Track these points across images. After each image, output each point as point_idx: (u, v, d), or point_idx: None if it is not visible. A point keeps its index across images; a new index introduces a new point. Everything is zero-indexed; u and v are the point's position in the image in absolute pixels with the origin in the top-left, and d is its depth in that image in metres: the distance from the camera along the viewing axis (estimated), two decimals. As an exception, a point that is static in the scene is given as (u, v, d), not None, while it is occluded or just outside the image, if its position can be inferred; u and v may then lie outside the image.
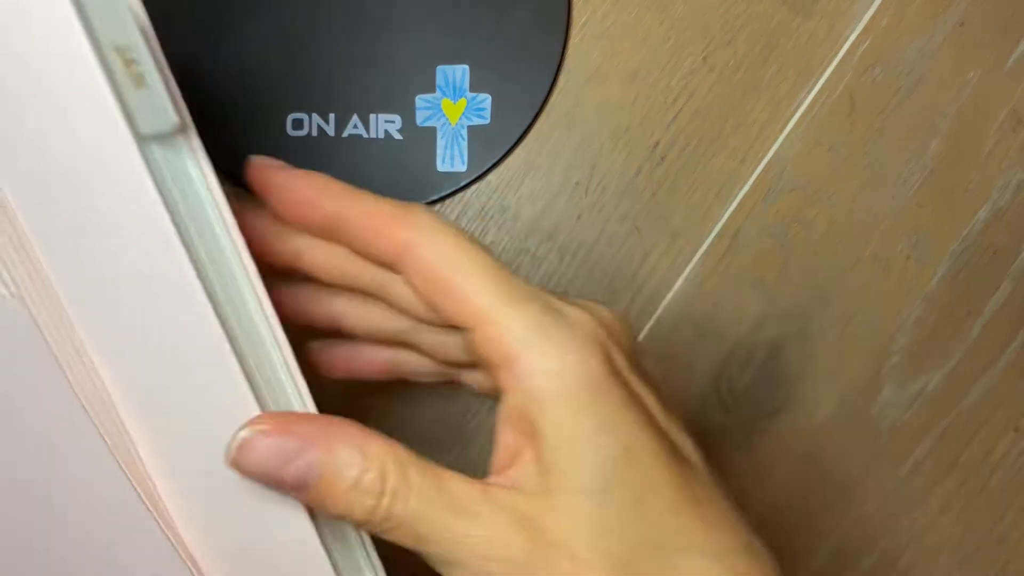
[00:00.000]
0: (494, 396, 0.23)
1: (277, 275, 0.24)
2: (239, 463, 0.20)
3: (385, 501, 0.20)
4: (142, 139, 0.19)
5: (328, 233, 0.24)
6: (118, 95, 0.19)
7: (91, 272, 0.20)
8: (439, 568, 0.21)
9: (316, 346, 0.28)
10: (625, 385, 0.22)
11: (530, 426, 0.21)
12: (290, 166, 0.24)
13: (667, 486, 0.22)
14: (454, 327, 0.22)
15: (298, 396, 0.22)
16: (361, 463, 0.20)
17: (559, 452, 0.21)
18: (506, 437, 0.22)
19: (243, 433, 0.20)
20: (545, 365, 0.21)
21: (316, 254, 0.25)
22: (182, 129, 0.21)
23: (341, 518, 0.21)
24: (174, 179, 0.20)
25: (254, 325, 0.22)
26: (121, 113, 0.19)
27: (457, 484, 0.21)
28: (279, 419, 0.21)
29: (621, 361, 0.22)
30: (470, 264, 0.22)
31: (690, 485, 0.22)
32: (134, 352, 0.21)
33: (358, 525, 0.21)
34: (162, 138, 0.20)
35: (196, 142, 0.21)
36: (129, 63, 0.18)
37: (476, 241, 0.23)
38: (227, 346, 0.20)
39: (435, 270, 0.22)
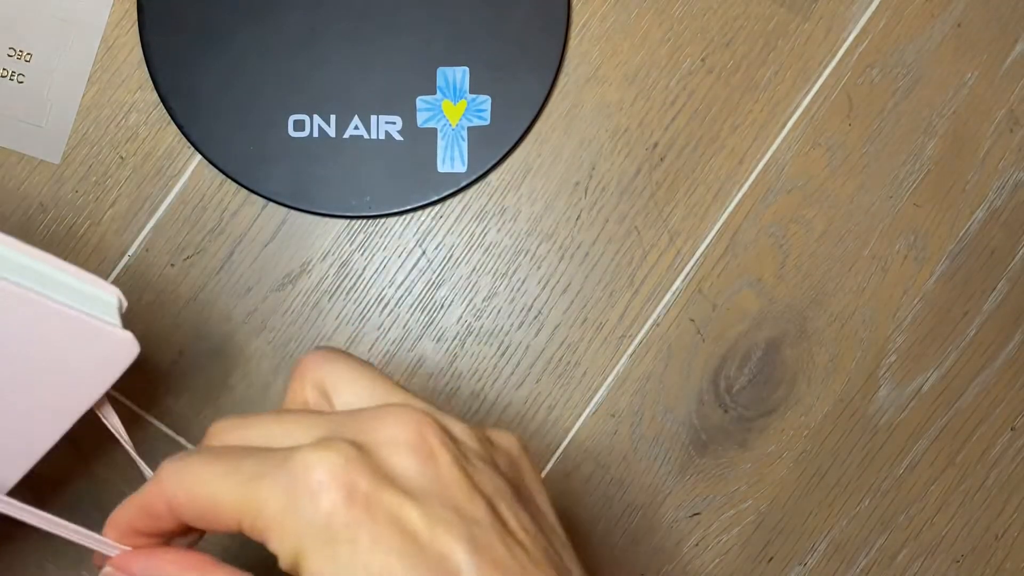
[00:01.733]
0: None
1: None
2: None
3: None
4: None
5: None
6: None
7: None
8: None
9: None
10: (374, 516, 0.21)
11: None
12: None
13: None
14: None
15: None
16: None
17: None
18: None
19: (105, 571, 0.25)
20: (282, 539, 0.21)
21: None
22: None
23: None
24: None
25: None
26: None
27: None
28: (124, 560, 0.25)
29: (369, 484, 0.21)
30: (204, 485, 0.23)
31: None
32: None
33: None
34: None
35: None
36: None
37: (213, 455, 0.23)
38: None
39: (185, 511, 0.23)
